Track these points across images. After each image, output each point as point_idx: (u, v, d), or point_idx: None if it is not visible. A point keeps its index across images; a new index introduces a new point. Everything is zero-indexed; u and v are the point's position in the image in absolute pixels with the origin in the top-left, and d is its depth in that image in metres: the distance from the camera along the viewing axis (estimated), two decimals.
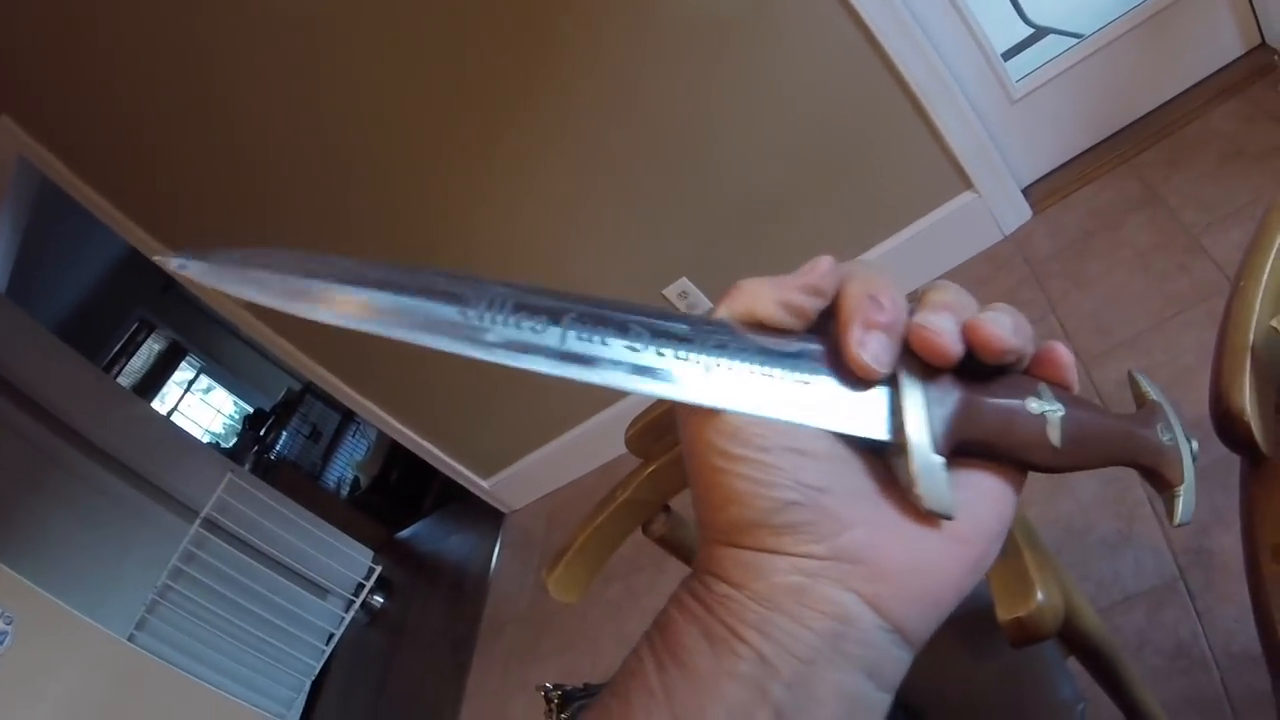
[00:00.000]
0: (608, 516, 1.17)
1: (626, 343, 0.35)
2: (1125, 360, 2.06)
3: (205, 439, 7.62)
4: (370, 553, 4.79)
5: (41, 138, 2.84)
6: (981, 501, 0.37)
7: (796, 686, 0.33)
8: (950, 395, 0.37)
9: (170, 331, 8.14)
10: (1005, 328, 0.37)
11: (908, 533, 0.35)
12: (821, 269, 0.37)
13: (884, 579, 0.34)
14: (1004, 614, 0.79)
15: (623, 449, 1.24)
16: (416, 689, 3.66)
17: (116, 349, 7.60)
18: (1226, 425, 0.73)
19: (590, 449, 3.41)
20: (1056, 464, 0.38)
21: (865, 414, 0.36)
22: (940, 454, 0.35)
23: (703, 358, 0.35)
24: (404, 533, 5.11)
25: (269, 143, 2.77)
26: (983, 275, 2.65)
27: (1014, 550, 0.81)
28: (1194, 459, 0.42)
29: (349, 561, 4.60)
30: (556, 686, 1.24)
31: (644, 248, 2.85)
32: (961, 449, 0.37)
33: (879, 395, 0.36)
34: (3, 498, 3.76)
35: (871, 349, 0.35)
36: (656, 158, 2.64)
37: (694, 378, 0.35)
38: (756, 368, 0.35)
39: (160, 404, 7.78)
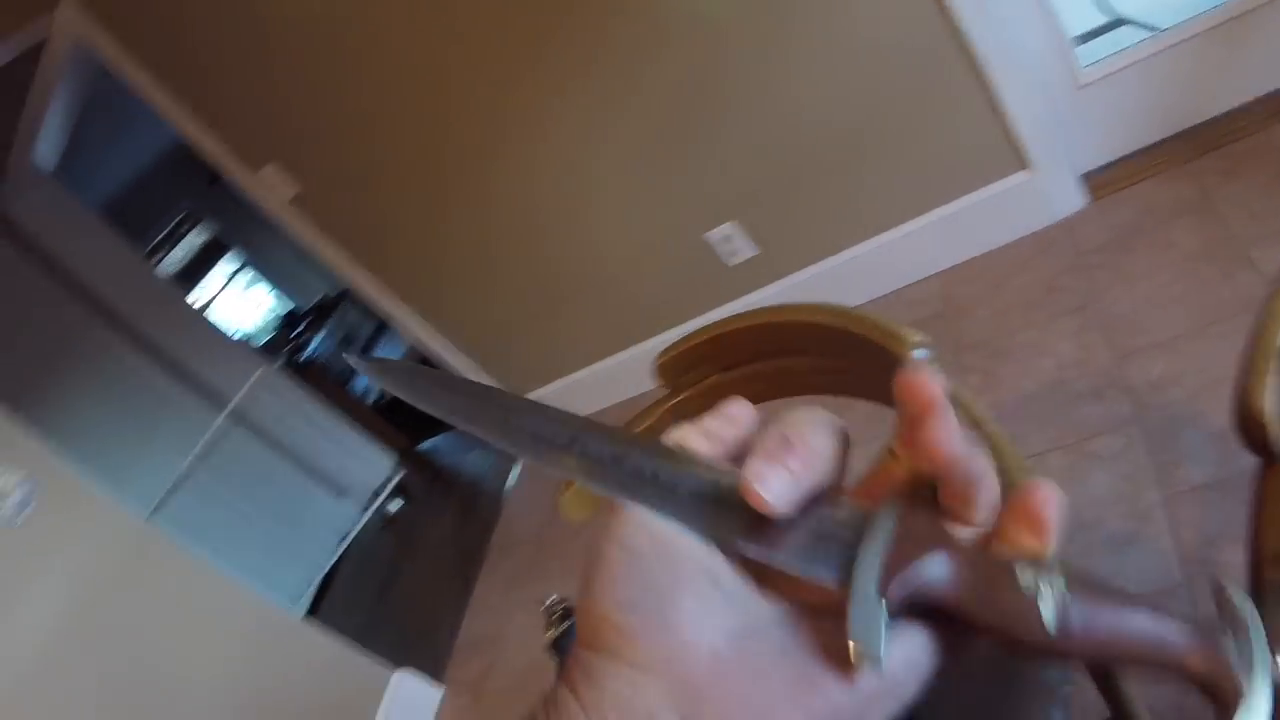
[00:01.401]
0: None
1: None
2: (1155, 361, 2.05)
3: (240, 334, 7.70)
4: (391, 459, 4.86)
5: (103, 23, 2.85)
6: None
7: None
8: (928, 546, 0.32)
9: (214, 225, 8.18)
10: (951, 434, 0.34)
11: (764, 671, 0.32)
12: (734, 408, 0.38)
13: (714, 711, 0.32)
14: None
15: (649, 387, 1.25)
16: (421, 595, 3.73)
17: (159, 238, 7.65)
18: (1247, 425, 0.73)
19: (619, 381, 3.43)
20: (1055, 650, 0.31)
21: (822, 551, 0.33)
22: (884, 596, 0.32)
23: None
24: (425, 444, 5.16)
25: (333, 64, 2.77)
26: (1026, 257, 2.63)
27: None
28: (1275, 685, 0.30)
29: (369, 465, 4.67)
30: (560, 600, 1.26)
31: (690, 190, 2.84)
32: (924, 607, 0.33)
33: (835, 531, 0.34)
34: (37, 372, 3.84)
35: (770, 483, 0.33)
36: (711, 98, 2.62)
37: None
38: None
39: (199, 295, 7.85)
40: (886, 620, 0.31)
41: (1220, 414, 1.87)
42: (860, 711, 0.32)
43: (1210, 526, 1.70)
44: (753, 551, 0.34)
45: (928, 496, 0.35)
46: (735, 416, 0.38)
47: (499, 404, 0.44)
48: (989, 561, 0.32)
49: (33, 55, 3.11)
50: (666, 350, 1.23)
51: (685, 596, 0.33)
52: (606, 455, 0.38)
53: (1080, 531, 1.86)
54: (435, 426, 5.20)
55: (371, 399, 5.95)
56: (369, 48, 2.73)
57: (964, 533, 0.34)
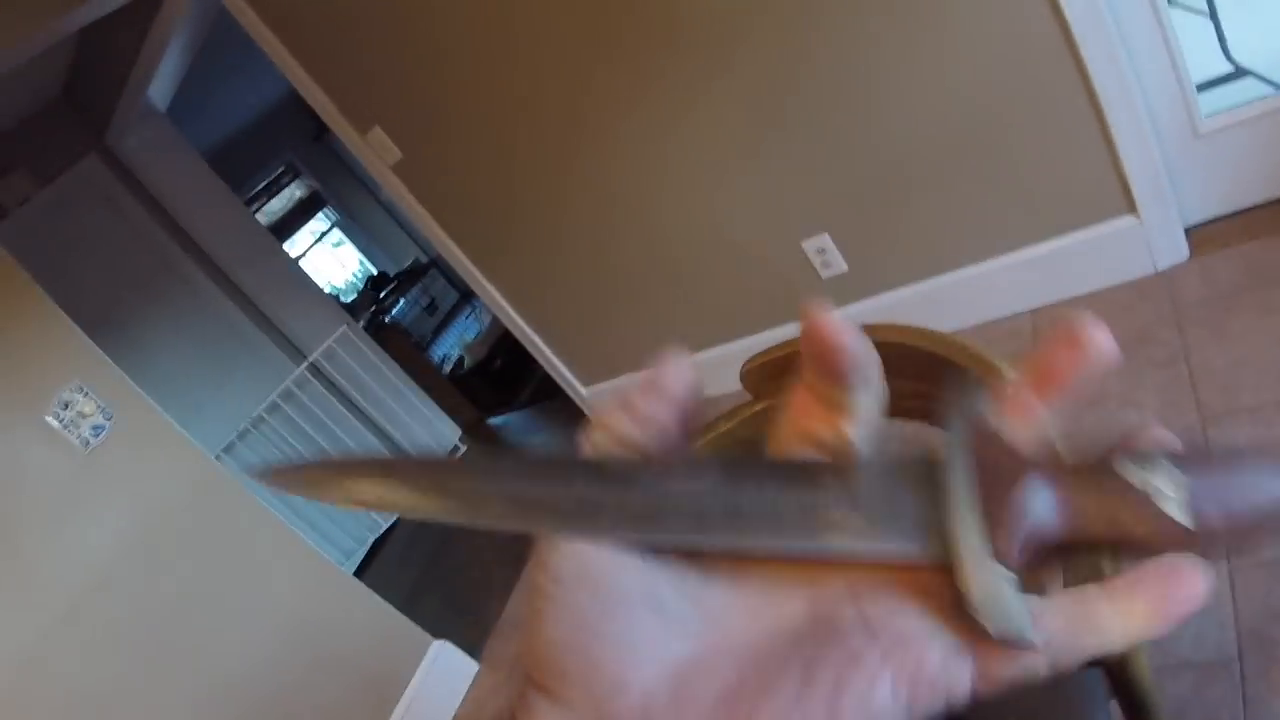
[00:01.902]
0: (706, 443, 1.17)
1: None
2: (1243, 426, 1.98)
3: (327, 290, 7.84)
4: (458, 430, 4.91)
5: None
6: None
7: None
8: (1017, 476, 0.28)
9: (313, 180, 8.33)
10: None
11: (719, 701, 0.28)
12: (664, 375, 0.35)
13: None
14: None
15: (723, 388, 1.24)
16: (471, 566, 3.76)
17: (260, 187, 7.82)
18: None
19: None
20: (1199, 545, 0.28)
21: (898, 517, 0.29)
22: (1005, 563, 0.27)
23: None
24: (495, 419, 5.20)
25: (445, 40, 2.79)
26: (1124, 304, 2.55)
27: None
28: None
29: (437, 433, 4.73)
30: None
31: (791, 197, 2.80)
32: (1043, 555, 0.28)
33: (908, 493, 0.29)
34: (125, 303, 3.95)
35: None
36: (819, 108, 2.58)
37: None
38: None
39: (291, 248, 8.00)
40: (1016, 583, 0.27)
41: None
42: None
43: (1274, 602, 1.64)
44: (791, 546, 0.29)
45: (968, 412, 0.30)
46: (666, 386, 0.34)
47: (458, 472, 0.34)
48: (1089, 472, 0.28)
49: None
50: (755, 357, 1.21)
51: (617, 630, 0.29)
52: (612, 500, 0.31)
53: None
54: (507, 403, 5.25)
55: (448, 368, 6.02)
56: (484, 27, 2.75)
57: (1023, 432, 0.30)
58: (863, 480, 0.30)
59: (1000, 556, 0.27)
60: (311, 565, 2.76)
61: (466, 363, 5.83)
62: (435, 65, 2.90)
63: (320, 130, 6.83)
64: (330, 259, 8.61)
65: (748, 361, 1.22)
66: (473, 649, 2.99)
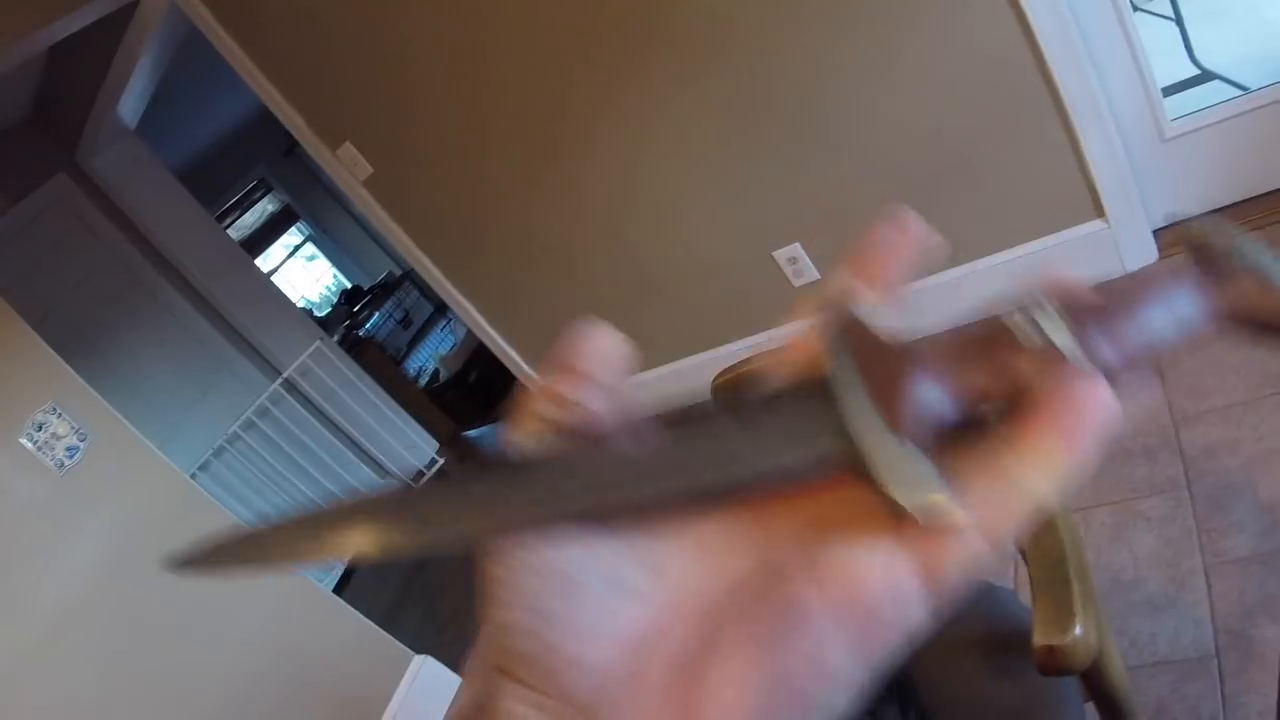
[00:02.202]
0: None
1: None
2: (1213, 427, 2.00)
3: (300, 305, 7.80)
4: (435, 443, 4.89)
5: None
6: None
7: None
8: (885, 363, 0.28)
9: (285, 195, 8.30)
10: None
11: (684, 668, 0.27)
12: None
13: None
14: (1040, 639, 0.79)
15: (697, 399, 1.24)
16: (453, 581, 3.75)
17: (232, 202, 7.79)
18: None
19: (670, 390, 3.42)
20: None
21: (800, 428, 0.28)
22: (900, 434, 0.26)
23: None
24: (472, 432, 5.19)
25: (417, 54, 2.81)
26: None
27: (1063, 578, 0.82)
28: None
29: (413, 447, 4.71)
30: None
31: (762, 207, 2.82)
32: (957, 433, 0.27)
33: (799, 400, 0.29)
34: (98, 323, 3.92)
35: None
36: (790, 120, 2.60)
37: None
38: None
39: (263, 263, 7.96)
40: (925, 460, 0.25)
41: (1272, 486, 1.84)
42: (856, 651, 0.26)
43: (1249, 600, 1.66)
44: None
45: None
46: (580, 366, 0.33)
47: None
48: (977, 338, 0.27)
49: (127, 12, 3.17)
50: (724, 371, 1.22)
51: (569, 610, 0.28)
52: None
53: (1119, 590, 1.83)
54: (484, 415, 5.24)
55: (424, 381, 6.00)
56: (454, 42, 2.75)
57: (893, 319, 0.30)
58: (752, 408, 0.29)
59: (905, 438, 0.25)
60: (291, 584, 2.75)
61: (442, 376, 5.82)
62: (406, 80, 2.90)
63: (292, 145, 6.81)
64: (303, 273, 8.57)
65: (718, 375, 1.23)
66: (455, 663, 2.98)
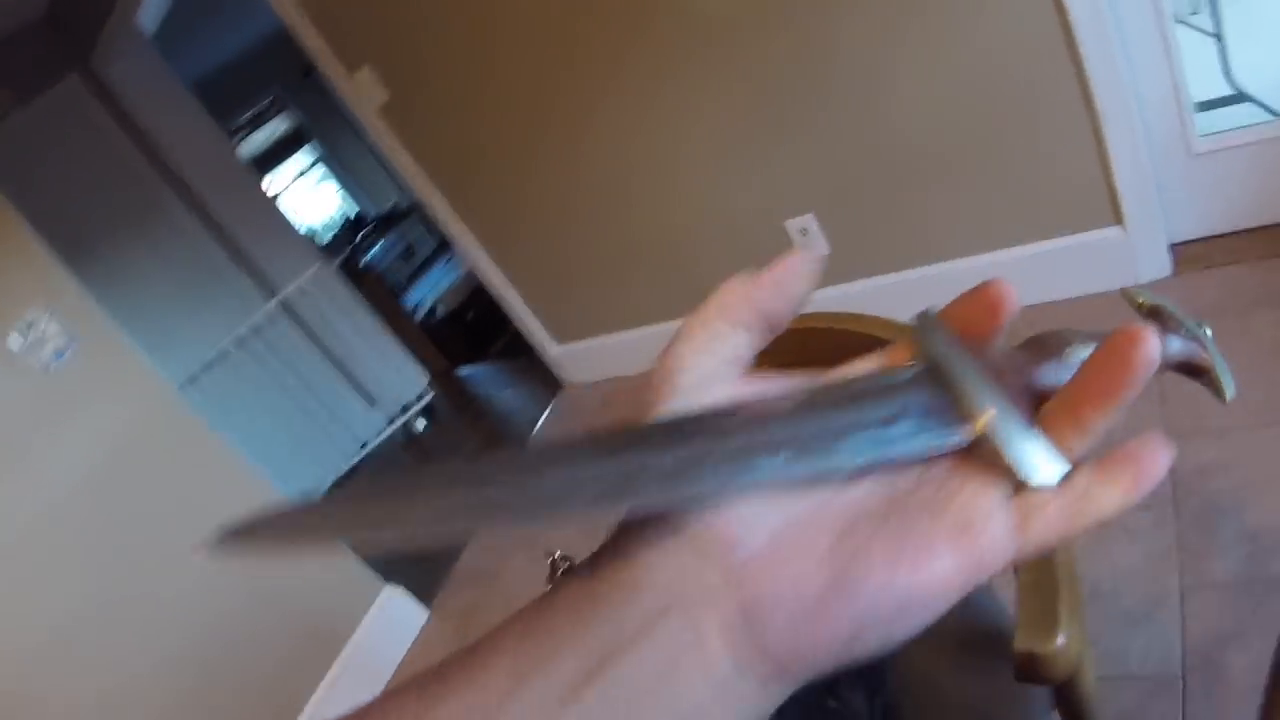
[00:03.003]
0: None
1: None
2: (1209, 449, 1.99)
3: (304, 228, 7.76)
4: (426, 379, 4.89)
5: None
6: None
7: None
8: (1000, 369, 0.34)
9: (299, 115, 8.24)
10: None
11: (835, 554, 0.31)
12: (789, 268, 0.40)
13: (762, 610, 0.31)
14: (1021, 644, 0.78)
15: None
16: None
17: (244, 119, 7.72)
18: None
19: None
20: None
21: (935, 419, 0.33)
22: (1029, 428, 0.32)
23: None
24: (464, 370, 5.19)
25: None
26: (1100, 314, 2.55)
27: (1050, 586, 0.80)
28: (1212, 339, 0.41)
29: (404, 380, 4.71)
30: (564, 557, 1.27)
31: (777, 175, 2.79)
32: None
33: (927, 395, 0.34)
34: (98, 227, 3.89)
35: None
36: (810, 89, 2.56)
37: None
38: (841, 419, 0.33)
39: (271, 183, 7.92)
40: (1040, 438, 0.32)
41: (1259, 514, 1.83)
42: (960, 584, 0.31)
43: (1223, 626, 1.66)
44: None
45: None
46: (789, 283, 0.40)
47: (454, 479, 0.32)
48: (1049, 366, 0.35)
49: None
50: None
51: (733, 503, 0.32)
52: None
53: (1096, 600, 1.83)
54: (478, 355, 5.23)
55: (420, 316, 5.98)
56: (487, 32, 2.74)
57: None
58: (905, 391, 0.34)
59: (1027, 422, 0.33)
60: (267, 502, 2.75)
61: (439, 311, 5.80)
62: (430, 11, 2.86)
63: (310, 66, 6.73)
64: (310, 197, 8.53)
65: None
66: (425, 595, 3.00)
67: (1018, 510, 0.32)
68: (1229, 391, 0.39)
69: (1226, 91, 2.73)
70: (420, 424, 4.62)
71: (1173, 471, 1.96)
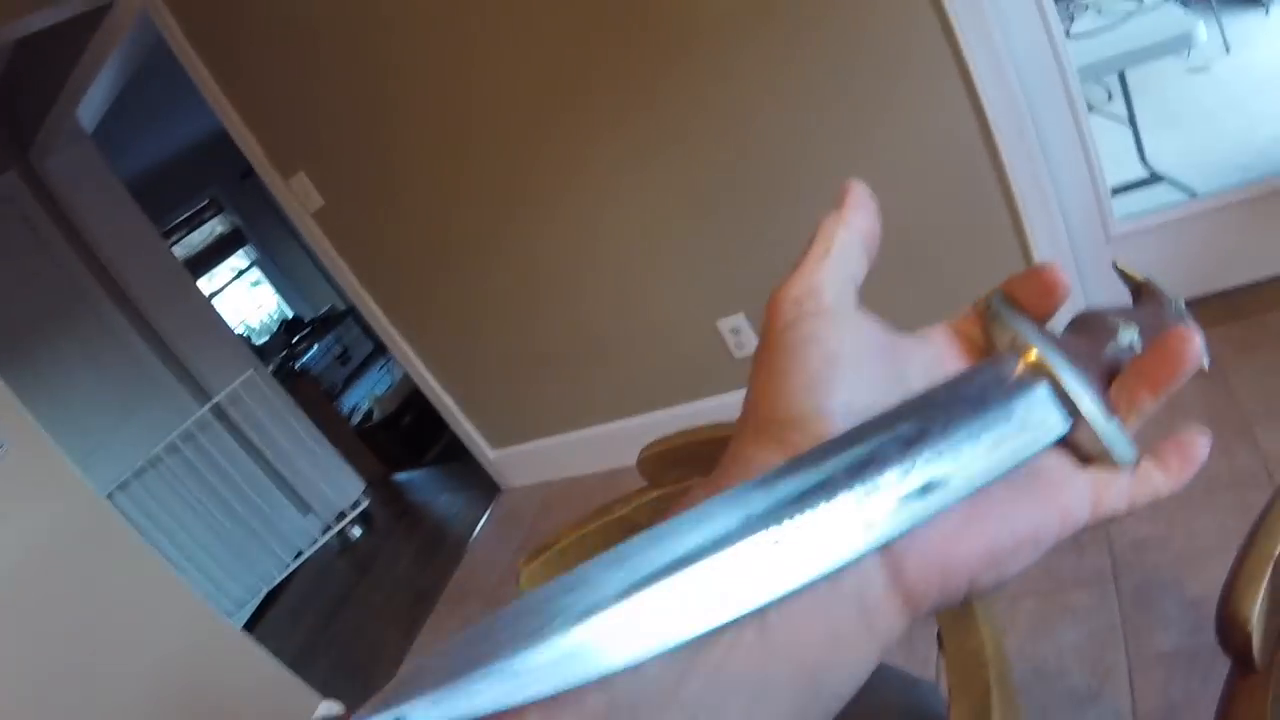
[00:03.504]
0: (599, 527, 1.16)
1: (898, 471, 0.32)
2: (1144, 523, 2.02)
3: (240, 330, 7.69)
4: (362, 484, 4.82)
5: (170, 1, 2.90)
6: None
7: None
8: (1081, 360, 0.37)
9: (236, 217, 8.23)
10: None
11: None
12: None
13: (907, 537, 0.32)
14: None
15: (633, 460, 1.23)
16: (367, 628, 3.67)
17: (181, 219, 7.69)
18: (1229, 628, 0.71)
19: (603, 451, 3.40)
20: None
21: (1045, 415, 0.36)
22: (1111, 416, 0.36)
23: (949, 441, 0.34)
24: (400, 476, 5.12)
25: (376, 91, 2.80)
26: None
27: (982, 687, 0.80)
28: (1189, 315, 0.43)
29: (339, 487, 4.63)
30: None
31: (710, 276, 2.83)
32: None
33: (1045, 391, 0.36)
34: (28, 326, 3.82)
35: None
36: (746, 193, 2.62)
37: (954, 467, 0.33)
38: (978, 423, 0.34)
39: (207, 283, 7.86)
40: (1121, 426, 0.37)
41: (1198, 585, 1.86)
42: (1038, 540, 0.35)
43: (1173, 696, 1.67)
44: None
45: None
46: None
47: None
48: (1109, 350, 0.40)
49: (97, 15, 3.14)
50: (651, 445, 1.21)
51: (830, 386, 0.36)
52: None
53: (1040, 681, 1.83)
54: (414, 460, 5.17)
55: (357, 420, 5.92)
56: (414, 82, 2.75)
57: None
58: (1020, 390, 0.36)
59: (1111, 412, 0.37)
60: (200, 617, 2.67)
61: (375, 415, 5.74)
62: (367, 118, 2.89)
63: (248, 168, 6.75)
64: (246, 298, 8.48)
65: (645, 449, 1.21)
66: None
67: (1093, 482, 0.36)
68: (1206, 362, 0.40)
69: (1142, 174, 2.83)
70: (356, 531, 4.53)
71: (1111, 548, 1.99)
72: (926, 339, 0.42)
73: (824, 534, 0.31)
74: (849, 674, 0.33)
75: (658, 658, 0.28)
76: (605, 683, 0.28)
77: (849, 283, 0.42)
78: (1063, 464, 0.37)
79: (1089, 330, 0.40)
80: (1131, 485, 0.37)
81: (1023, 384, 0.36)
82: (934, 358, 0.40)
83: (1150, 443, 0.38)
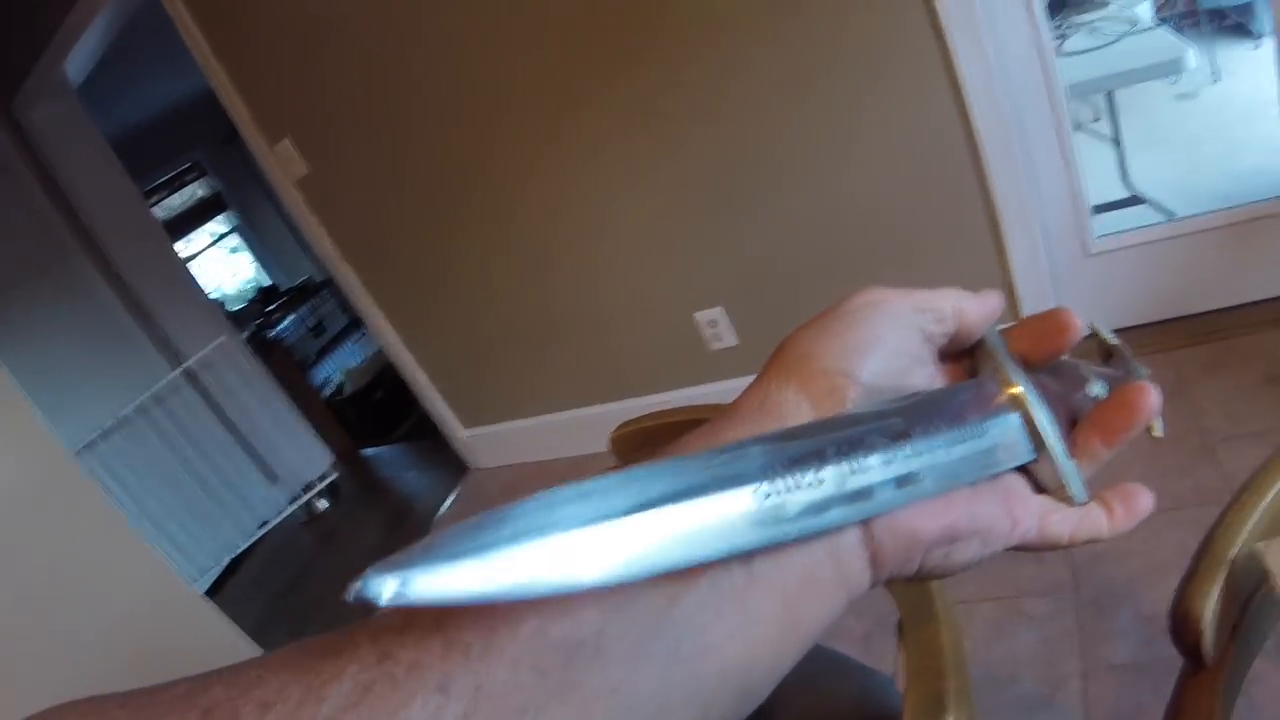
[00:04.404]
0: None
1: (881, 458, 0.36)
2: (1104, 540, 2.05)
3: (215, 295, 7.64)
4: (330, 457, 4.80)
5: None
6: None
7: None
8: (1053, 401, 0.42)
9: (218, 181, 8.17)
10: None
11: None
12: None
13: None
14: None
15: (603, 447, 1.24)
16: (327, 599, 3.66)
17: (162, 180, 7.63)
18: (1181, 626, 0.73)
19: (573, 436, 3.41)
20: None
21: (1015, 441, 0.41)
22: (1071, 457, 0.41)
23: (928, 443, 0.38)
24: (369, 450, 5.11)
25: (373, 59, 2.78)
26: None
27: (938, 671, 0.81)
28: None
29: (307, 458, 4.61)
30: None
31: (688, 267, 2.84)
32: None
33: (1018, 420, 0.41)
34: (3, 279, 3.78)
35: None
36: (731, 187, 2.63)
37: (930, 466, 0.38)
38: (955, 434, 0.39)
39: (185, 247, 7.80)
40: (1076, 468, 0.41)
41: (1153, 599, 1.88)
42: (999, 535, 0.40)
43: (1123, 707, 1.69)
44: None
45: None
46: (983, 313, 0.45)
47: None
48: (1078, 397, 0.44)
49: None
50: (625, 424, 1.22)
51: (863, 355, 0.41)
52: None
53: (994, 687, 1.85)
54: (384, 435, 5.16)
55: (328, 393, 5.90)
56: (412, 55, 2.74)
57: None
58: (998, 415, 0.41)
59: (1071, 453, 0.41)
60: (162, 580, 2.65)
61: (346, 389, 5.72)
62: (359, 88, 2.88)
63: (232, 133, 6.70)
64: (223, 264, 8.41)
65: (618, 428, 1.22)
66: None
67: (1044, 507, 0.41)
68: (1159, 430, 0.46)
69: (1123, 194, 2.86)
70: (322, 503, 4.52)
71: (1070, 558, 2.01)
72: (937, 364, 0.45)
73: (807, 501, 0.34)
74: (823, 613, 0.37)
75: (651, 581, 0.31)
76: (600, 597, 0.31)
77: (923, 318, 0.43)
78: (1022, 483, 0.42)
79: (1063, 376, 0.44)
80: (1076, 520, 0.42)
81: (999, 410, 0.41)
82: (933, 375, 0.44)
83: (1100, 487, 0.43)
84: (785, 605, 0.35)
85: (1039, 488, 0.42)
